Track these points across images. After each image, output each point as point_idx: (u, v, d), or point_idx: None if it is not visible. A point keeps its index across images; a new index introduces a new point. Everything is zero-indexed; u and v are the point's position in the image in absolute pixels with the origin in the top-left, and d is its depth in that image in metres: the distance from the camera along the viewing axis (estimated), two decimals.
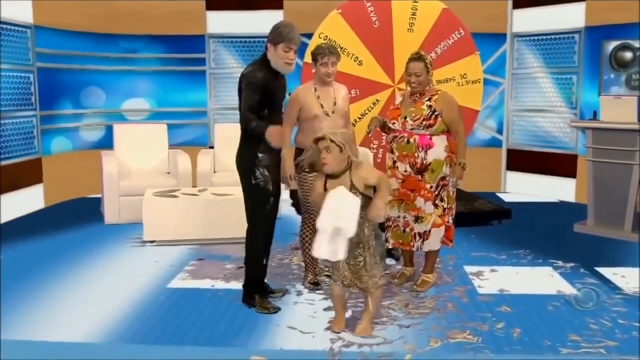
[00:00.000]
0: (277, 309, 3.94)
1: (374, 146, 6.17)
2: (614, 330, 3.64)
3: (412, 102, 4.28)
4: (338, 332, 3.58)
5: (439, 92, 4.28)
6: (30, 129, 6.98)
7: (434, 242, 4.30)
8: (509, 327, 3.67)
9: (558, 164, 7.78)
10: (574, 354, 3.32)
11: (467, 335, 3.55)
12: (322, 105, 4.29)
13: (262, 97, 3.85)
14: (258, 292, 4.05)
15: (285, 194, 6.86)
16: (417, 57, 4.23)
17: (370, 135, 4.61)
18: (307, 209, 4.33)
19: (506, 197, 7.87)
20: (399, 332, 3.60)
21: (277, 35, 3.84)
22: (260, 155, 3.90)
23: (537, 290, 4.35)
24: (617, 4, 6.93)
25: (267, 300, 4.02)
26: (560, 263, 5.00)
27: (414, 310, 3.95)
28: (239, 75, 4.02)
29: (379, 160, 6.04)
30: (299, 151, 4.41)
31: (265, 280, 4.25)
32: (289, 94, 4.49)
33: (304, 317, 3.85)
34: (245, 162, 3.95)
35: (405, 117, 4.24)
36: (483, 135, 8.31)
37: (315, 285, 4.39)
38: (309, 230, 4.35)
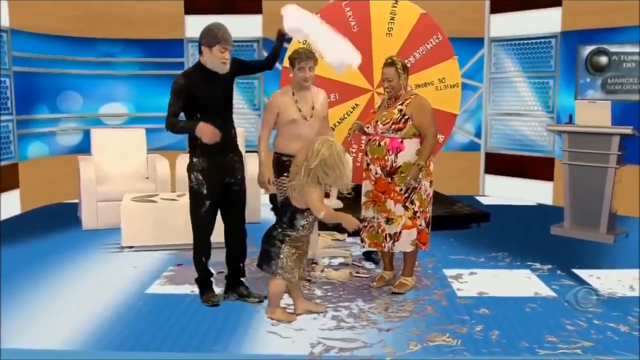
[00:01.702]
0: (216, 304, 4.09)
1: (354, 150, 6.20)
2: (590, 331, 3.69)
3: (386, 106, 4.32)
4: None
5: (413, 96, 4.31)
6: (7, 134, 6.90)
7: (404, 244, 4.32)
8: (488, 330, 3.70)
9: (535, 167, 7.86)
10: (551, 355, 3.35)
11: (446, 338, 3.58)
12: (299, 110, 4.31)
13: (191, 102, 3.96)
14: (206, 286, 4.23)
15: (265, 198, 6.88)
16: (389, 62, 4.28)
17: (349, 139, 4.64)
18: None
19: (485, 200, 7.94)
20: (378, 336, 3.61)
21: (212, 37, 3.95)
22: (194, 159, 4.06)
23: (515, 293, 4.38)
24: (593, 9, 7.03)
25: (210, 295, 4.18)
26: (537, 265, 5.05)
27: (394, 314, 3.97)
28: None
29: (358, 164, 6.07)
30: (277, 156, 4.42)
31: (245, 283, 4.32)
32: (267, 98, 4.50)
33: (283, 321, 3.85)
34: (186, 166, 4.13)
35: (377, 121, 4.28)
36: (461, 139, 8.38)
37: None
38: None
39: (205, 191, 4.05)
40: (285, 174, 4.17)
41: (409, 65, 5.88)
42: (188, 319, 3.87)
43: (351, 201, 5.53)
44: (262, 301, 4.19)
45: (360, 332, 3.66)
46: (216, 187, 4.07)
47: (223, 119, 4.06)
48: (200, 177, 4.05)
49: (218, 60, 3.96)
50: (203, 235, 4.15)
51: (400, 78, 4.24)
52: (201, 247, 4.18)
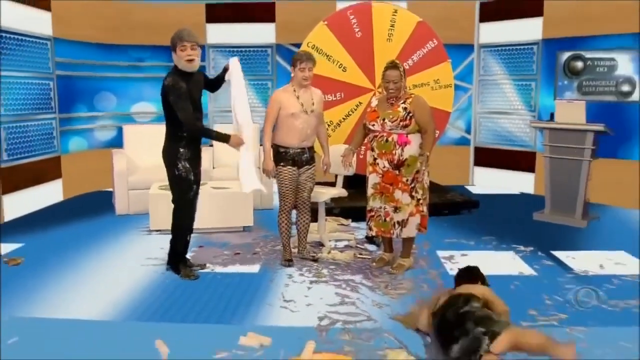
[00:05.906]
0: (197, 277, 4.18)
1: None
2: (565, 305, 3.68)
3: (389, 105, 4.28)
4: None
5: (413, 95, 4.28)
6: (51, 130, 6.92)
7: (411, 230, 4.31)
8: None
9: (519, 160, 7.80)
10: (532, 326, 3.34)
11: None
12: (301, 104, 4.31)
13: None
14: (181, 262, 4.28)
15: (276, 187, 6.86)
16: (393, 65, 4.23)
17: (343, 161, 4.43)
18: (282, 197, 4.45)
19: (474, 190, 7.89)
20: (379, 311, 3.60)
21: (172, 41, 4.04)
22: (181, 150, 4.07)
23: (501, 272, 4.36)
24: (570, 19, 6.96)
25: (189, 269, 4.26)
26: (521, 247, 5.02)
27: (393, 291, 3.96)
28: None
29: (361, 157, 6.04)
30: (276, 147, 4.42)
31: (189, 257, 4.49)
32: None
33: (294, 297, 3.84)
34: (169, 156, 4.10)
35: (383, 119, 4.24)
36: (453, 134, 8.32)
37: (289, 262, 4.50)
38: (284, 216, 4.51)
39: (192, 177, 4.13)
40: (281, 163, 4.35)
41: (407, 67, 5.88)
42: (209, 295, 3.88)
43: (354, 191, 5.54)
44: (202, 268, 4.35)
45: (362, 307, 3.66)
46: (197, 172, 4.18)
47: (201, 111, 4.17)
48: (188, 165, 4.10)
49: (183, 59, 3.99)
50: (191, 216, 4.28)
51: (403, 79, 4.21)
52: (189, 228, 4.28)
